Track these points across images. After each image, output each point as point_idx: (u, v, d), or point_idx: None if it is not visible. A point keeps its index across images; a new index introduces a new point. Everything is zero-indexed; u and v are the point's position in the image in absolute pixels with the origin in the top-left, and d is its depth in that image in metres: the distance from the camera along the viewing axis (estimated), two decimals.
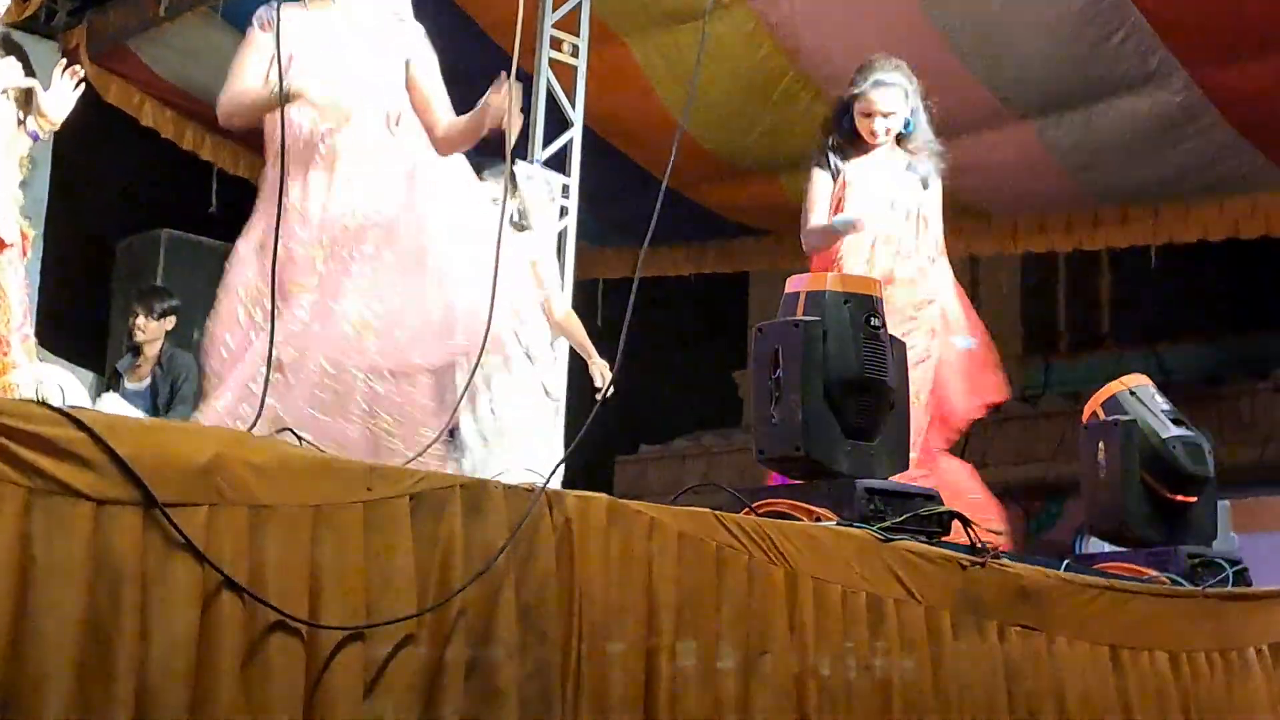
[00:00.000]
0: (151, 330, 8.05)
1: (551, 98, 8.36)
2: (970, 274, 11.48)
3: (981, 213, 10.06)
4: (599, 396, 4.85)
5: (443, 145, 4.59)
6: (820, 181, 6.02)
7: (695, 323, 13.67)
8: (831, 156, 6.00)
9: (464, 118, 4.55)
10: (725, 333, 14.92)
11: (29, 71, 5.27)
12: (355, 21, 4.51)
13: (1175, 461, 4.79)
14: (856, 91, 5.97)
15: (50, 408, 2.51)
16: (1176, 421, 4.91)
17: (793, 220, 9.82)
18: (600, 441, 6.88)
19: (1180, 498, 4.83)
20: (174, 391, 7.93)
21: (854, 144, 6.00)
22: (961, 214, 9.70)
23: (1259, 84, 8.05)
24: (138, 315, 8.07)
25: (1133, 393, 5.01)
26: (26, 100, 5.24)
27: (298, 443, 3.08)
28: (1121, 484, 4.79)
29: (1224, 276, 10.99)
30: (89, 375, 7.65)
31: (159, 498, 2.53)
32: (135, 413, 7.41)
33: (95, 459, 2.48)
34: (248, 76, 4.44)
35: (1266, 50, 7.88)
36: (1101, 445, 4.86)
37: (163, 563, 2.55)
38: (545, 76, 8.30)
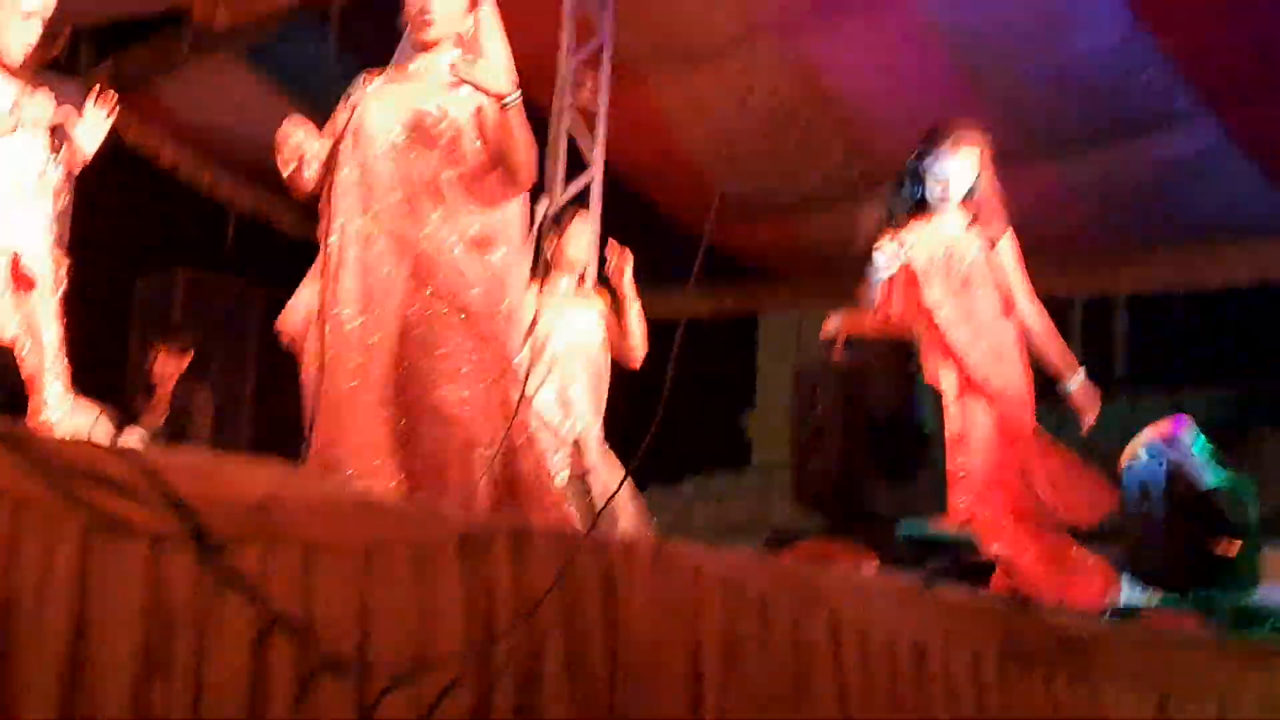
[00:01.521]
0: (169, 368, 8.05)
1: (571, 139, 8.34)
2: None
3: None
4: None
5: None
6: (887, 249, 5.80)
7: (702, 363, 13.63)
8: (896, 223, 5.86)
9: None
10: (733, 373, 14.91)
11: (58, 105, 5.26)
12: (427, 85, 4.45)
13: (1217, 509, 4.75)
14: (931, 159, 5.91)
15: (105, 446, 2.49)
16: (1219, 468, 4.88)
17: (808, 262, 9.89)
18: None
19: (1222, 545, 4.79)
20: (188, 428, 7.92)
21: (920, 208, 5.93)
22: None
23: None
24: (155, 354, 8.07)
25: (1175, 437, 4.97)
26: (57, 134, 5.23)
27: (348, 481, 3.06)
28: (1163, 530, 4.75)
29: (1244, 320, 10.95)
30: (108, 412, 7.63)
31: (213, 535, 2.51)
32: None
33: (150, 496, 2.46)
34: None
35: None
36: (1141, 491, 4.82)
37: (215, 600, 2.53)
38: (567, 118, 8.29)
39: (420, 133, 4.35)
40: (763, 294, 11.66)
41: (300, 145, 4.37)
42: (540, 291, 6.67)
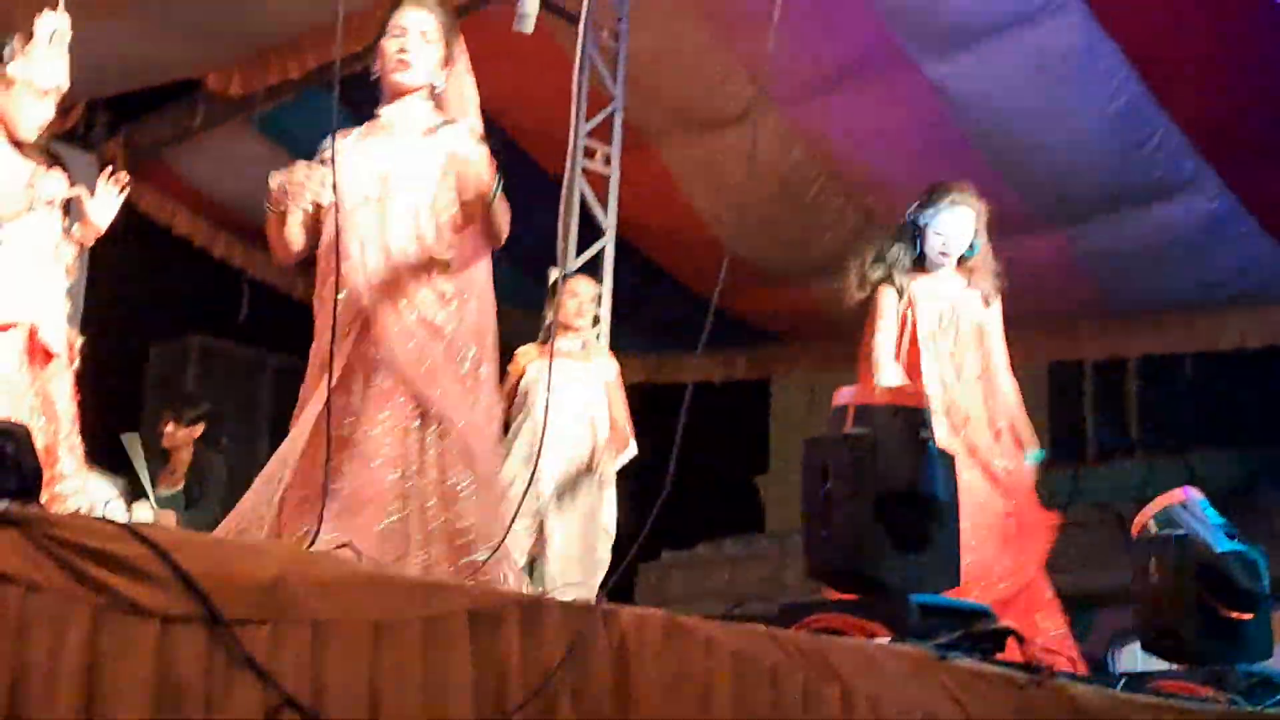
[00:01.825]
0: (181, 438, 8.06)
1: (584, 206, 8.38)
2: None
3: (1010, 318, 10.03)
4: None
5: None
6: (888, 299, 6.04)
7: (716, 427, 13.63)
8: (897, 274, 6.04)
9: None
10: (746, 437, 14.88)
11: (72, 182, 5.30)
12: (400, 141, 4.36)
13: (1230, 577, 4.73)
14: (931, 213, 6.04)
15: (116, 524, 2.50)
16: (1230, 536, 4.86)
17: (821, 326, 9.89)
18: (622, 547, 6.86)
19: (1235, 614, 4.76)
20: (202, 496, 7.93)
21: (918, 263, 6.09)
22: None
23: None
24: (167, 423, 8.08)
25: (1185, 505, 4.95)
26: (70, 209, 5.28)
27: (358, 558, 3.06)
28: (1175, 599, 4.72)
29: (1256, 384, 10.92)
30: (121, 481, 7.64)
31: (223, 615, 2.51)
32: (168, 520, 7.40)
33: (161, 576, 2.47)
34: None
35: None
36: (1154, 560, 4.80)
37: (226, 680, 2.53)
38: (578, 185, 8.32)
39: (393, 187, 4.28)
40: (775, 358, 11.68)
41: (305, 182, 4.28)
42: (545, 353, 6.71)
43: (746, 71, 8.55)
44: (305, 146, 9.17)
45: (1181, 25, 7.63)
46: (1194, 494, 5.06)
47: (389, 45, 4.36)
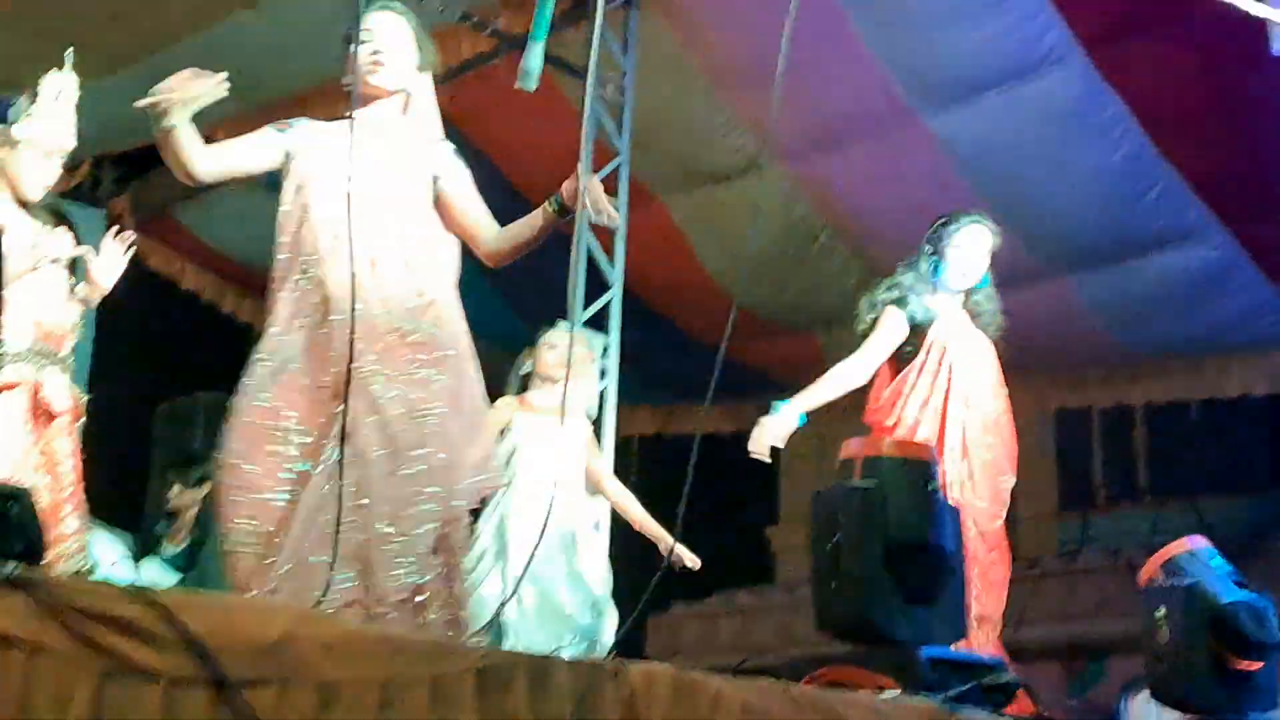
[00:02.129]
0: (187, 498, 8.04)
1: (591, 259, 8.41)
2: None
3: (1015, 367, 10.05)
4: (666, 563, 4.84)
5: (492, 257, 4.44)
6: (892, 319, 5.76)
7: (726, 478, 13.62)
8: (913, 299, 5.75)
9: (516, 224, 4.43)
10: (757, 488, 14.86)
11: (77, 240, 5.32)
12: (378, 143, 4.23)
13: (1239, 626, 4.71)
14: (953, 229, 5.84)
15: (121, 586, 2.50)
16: (1239, 585, 4.84)
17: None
18: (632, 599, 6.84)
19: (1244, 663, 4.73)
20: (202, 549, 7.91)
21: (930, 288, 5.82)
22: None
23: None
24: (173, 484, 8.07)
25: (1192, 554, 4.94)
26: (74, 268, 5.29)
27: (364, 618, 3.05)
28: (1184, 649, 4.70)
29: (1264, 429, 10.93)
30: (128, 538, 7.63)
31: (229, 676, 2.50)
32: (172, 578, 7.39)
33: (167, 637, 2.46)
34: (238, 148, 4.21)
35: None
36: (1162, 609, 4.78)
37: None
38: (584, 238, 8.36)
39: (375, 196, 4.14)
40: None
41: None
42: (525, 405, 6.70)
43: (750, 125, 8.59)
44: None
45: (1181, 80, 7.67)
46: (1201, 542, 5.05)
47: (360, 50, 4.23)
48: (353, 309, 3.85)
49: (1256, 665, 4.76)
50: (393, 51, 4.25)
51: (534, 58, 3.86)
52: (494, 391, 6.75)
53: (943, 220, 5.91)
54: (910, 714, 3.74)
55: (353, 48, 4.22)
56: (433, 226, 4.29)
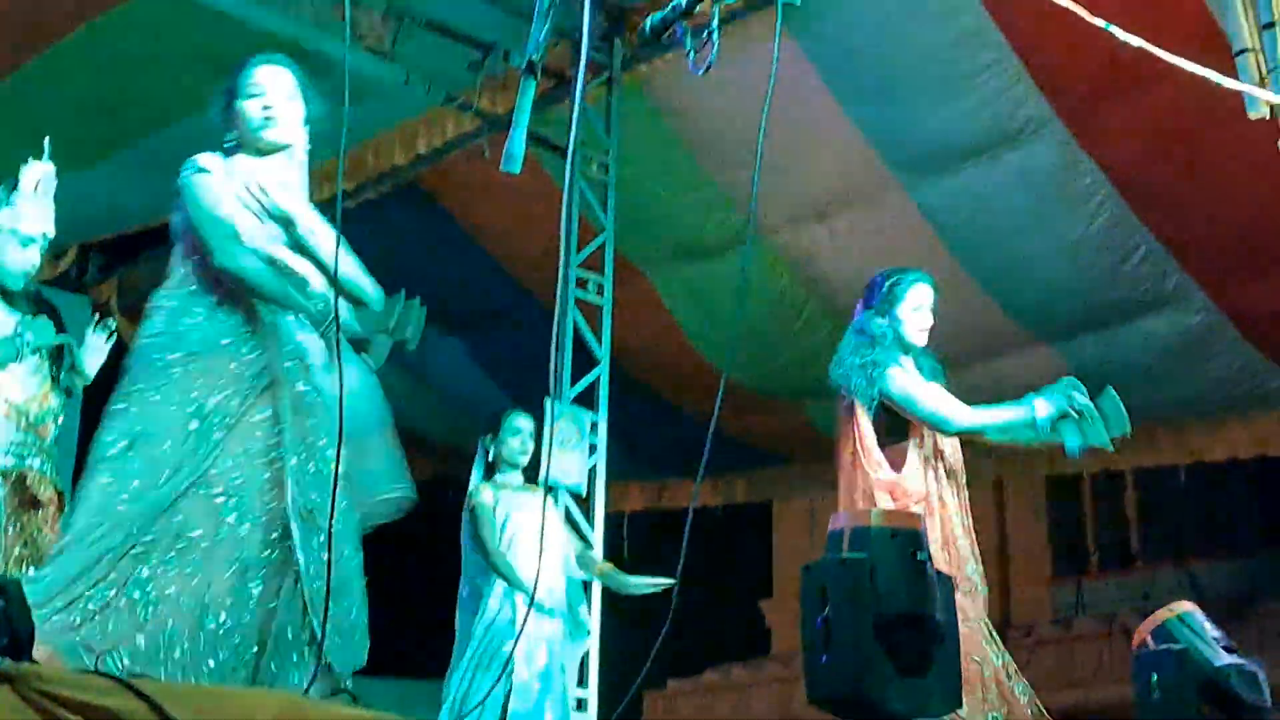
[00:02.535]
0: None
1: (578, 335, 8.44)
2: (996, 497, 11.47)
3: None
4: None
5: None
6: (910, 369, 5.65)
7: (720, 552, 13.66)
8: (880, 379, 5.60)
9: None
10: (750, 562, 14.87)
11: (60, 328, 5.33)
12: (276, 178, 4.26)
13: (1231, 689, 4.70)
14: (902, 288, 5.75)
15: (109, 677, 2.50)
16: (1229, 649, 4.83)
17: (818, 447, 9.92)
18: (627, 674, 6.81)
19: None
20: None
21: (890, 354, 5.69)
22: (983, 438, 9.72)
23: (1277, 303, 8.13)
24: None
25: (1182, 619, 4.94)
26: (59, 357, 5.29)
27: (353, 702, 3.05)
28: (1177, 714, 4.70)
29: (1253, 492, 10.96)
30: None
31: None
32: None
33: None
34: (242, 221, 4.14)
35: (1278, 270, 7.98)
36: (1154, 675, 4.78)
37: None
38: (571, 315, 8.39)
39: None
40: (775, 481, 11.69)
41: None
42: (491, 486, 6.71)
43: (735, 199, 8.64)
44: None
45: (1156, 146, 7.72)
46: (1190, 607, 5.05)
47: (249, 105, 4.20)
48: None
49: None
50: (284, 106, 4.25)
51: (517, 142, 3.90)
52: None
53: (892, 282, 5.84)
54: None
55: (238, 103, 4.21)
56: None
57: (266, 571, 3.70)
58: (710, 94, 7.99)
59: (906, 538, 4.25)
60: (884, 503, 5.60)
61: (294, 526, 3.76)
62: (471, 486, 6.71)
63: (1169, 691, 4.74)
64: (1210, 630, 4.91)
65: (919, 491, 5.66)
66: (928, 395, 5.65)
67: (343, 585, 3.70)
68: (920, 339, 5.78)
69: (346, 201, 8.95)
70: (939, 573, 4.38)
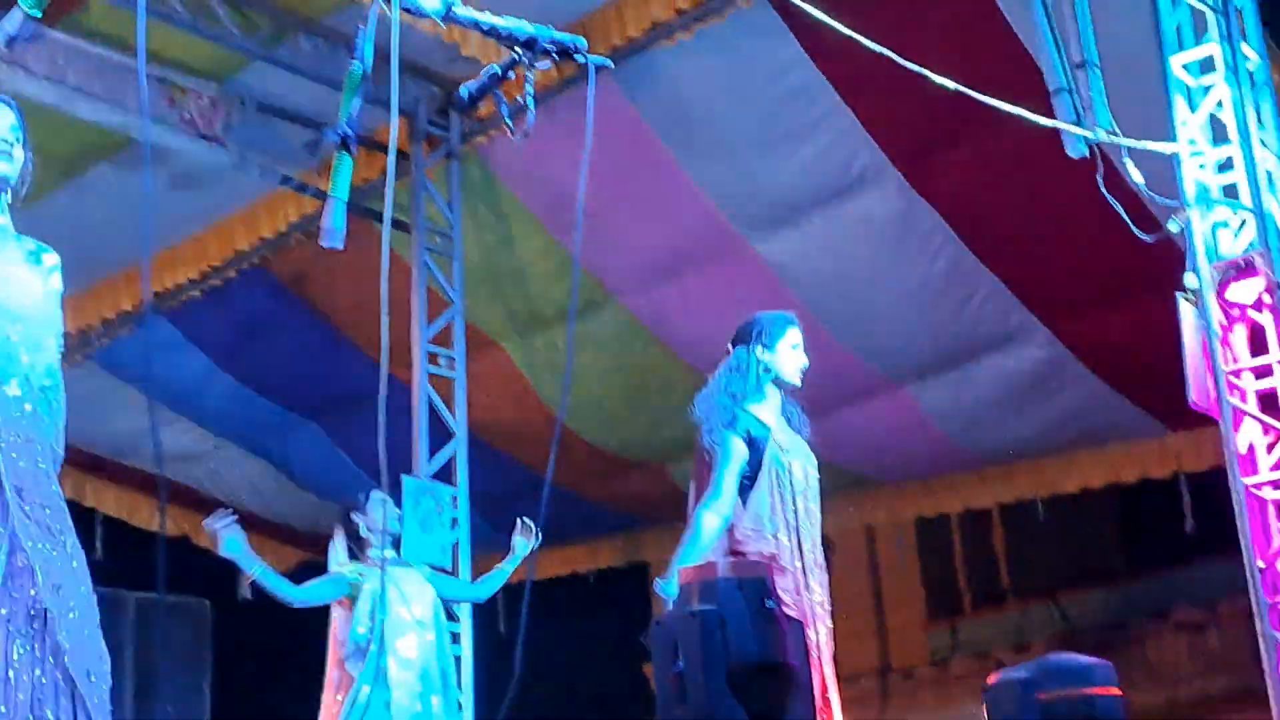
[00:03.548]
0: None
1: (433, 410, 8.41)
2: (867, 540, 11.57)
3: (869, 480, 10.20)
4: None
5: None
6: (736, 449, 5.43)
7: (599, 619, 13.61)
8: (743, 415, 5.48)
9: None
10: (629, 626, 14.80)
11: None
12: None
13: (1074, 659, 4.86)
14: (776, 329, 5.62)
15: None
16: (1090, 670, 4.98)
17: (684, 506, 9.96)
18: None
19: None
20: None
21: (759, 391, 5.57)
22: (851, 485, 9.84)
23: (1116, 335, 8.31)
24: None
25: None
26: None
27: None
28: None
29: (1110, 520, 11.15)
30: None
31: None
32: None
33: None
34: None
35: (1118, 303, 8.16)
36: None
37: None
38: (425, 391, 8.37)
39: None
40: (649, 543, 11.67)
41: None
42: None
43: (584, 267, 8.68)
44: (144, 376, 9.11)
45: (989, 189, 7.90)
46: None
47: None
48: None
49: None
50: (13, 145, 3.95)
51: (336, 216, 3.89)
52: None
53: (764, 324, 5.73)
54: None
55: None
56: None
57: None
58: (551, 160, 8.03)
59: (754, 587, 4.29)
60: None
61: None
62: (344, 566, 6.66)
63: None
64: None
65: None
66: (706, 509, 5.42)
67: None
68: (797, 378, 5.66)
69: (189, 290, 8.94)
70: (789, 617, 4.42)
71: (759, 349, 5.54)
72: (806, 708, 4.40)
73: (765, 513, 5.45)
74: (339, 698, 6.54)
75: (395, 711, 6.40)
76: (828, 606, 5.42)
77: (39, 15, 4.47)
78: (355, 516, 6.72)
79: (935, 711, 12.01)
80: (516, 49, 3.55)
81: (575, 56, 3.58)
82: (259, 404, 9.84)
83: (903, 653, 12.77)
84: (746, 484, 5.45)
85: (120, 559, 9.97)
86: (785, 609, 4.61)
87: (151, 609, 8.99)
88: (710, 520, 5.32)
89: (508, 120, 3.78)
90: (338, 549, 6.74)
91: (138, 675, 9.23)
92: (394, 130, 3.95)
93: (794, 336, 5.68)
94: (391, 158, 3.58)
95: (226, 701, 9.63)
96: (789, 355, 5.58)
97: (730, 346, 5.74)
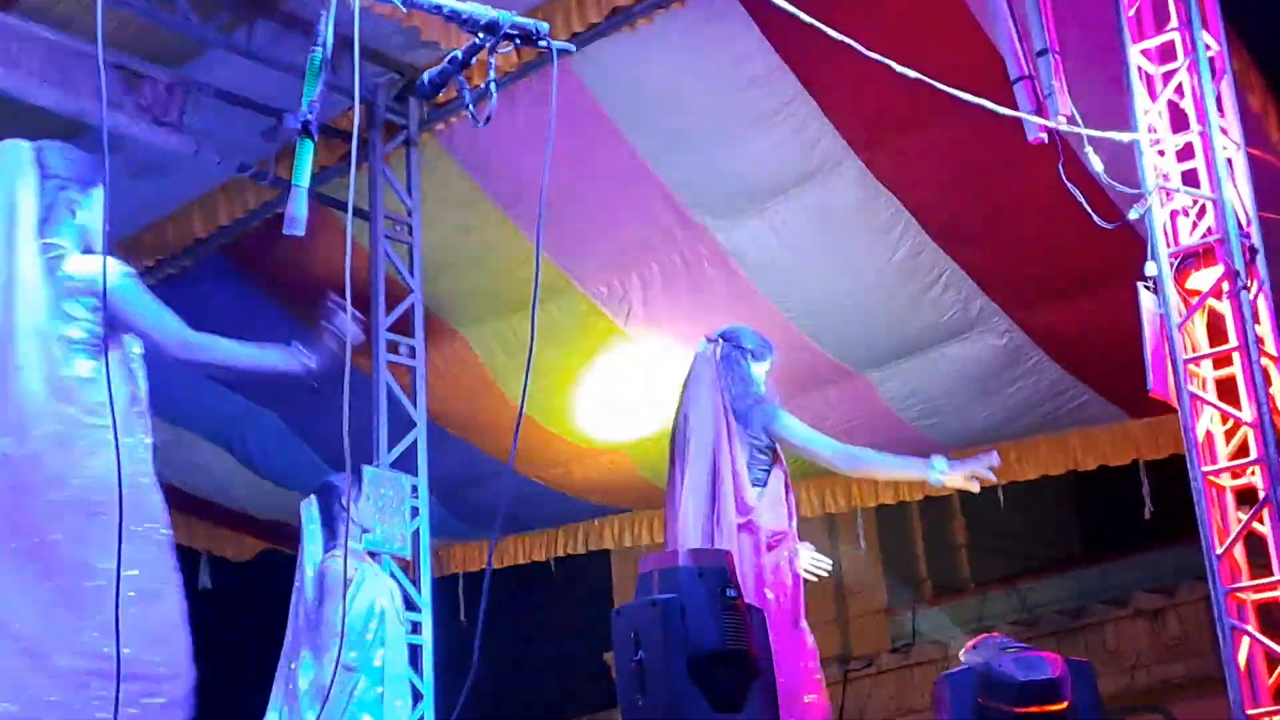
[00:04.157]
0: None
1: (393, 398, 8.37)
2: (827, 529, 11.58)
3: (830, 469, 10.18)
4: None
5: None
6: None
7: (561, 606, 13.62)
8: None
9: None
10: (591, 614, 14.81)
11: None
12: None
13: (1030, 699, 4.86)
14: (760, 350, 6.32)
15: None
16: (1034, 662, 4.99)
17: (645, 493, 9.96)
18: None
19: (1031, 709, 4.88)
20: None
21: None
22: (812, 474, 9.83)
23: (1076, 322, 8.34)
24: None
25: (980, 645, 5.11)
26: None
27: None
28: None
29: (1072, 509, 11.20)
30: None
31: None
32: None
33: None
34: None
35: (1078, 290, 8.18)
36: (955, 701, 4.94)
37: None
38: (385, 380, 8.32)
39: None
40: (608, 529, 11.67)
41: None
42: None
43: (544, 255, 8.64)
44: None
45: (949, 177, 7.91)
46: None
47: None
48: None
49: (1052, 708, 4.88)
50: None
51: (298, 204, 3.87)
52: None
53: (759, 344, 6.32)
54: None
55: None
56: None
57: None
58: (511, 147, 8.02)
59: (715, 575, 4.29)
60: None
61: None
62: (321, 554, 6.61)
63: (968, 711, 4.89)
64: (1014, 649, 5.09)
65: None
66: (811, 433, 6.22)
67: None
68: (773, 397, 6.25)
69: (147, 278, 8.86)
70: (751, 607, 4.43)
71: (750, 361, 6.00)
72: (767, 696, 4.41)
73: (782, 494, 6.07)
74: (292, 666, 6.49)
75: (387, 704, 6.38)
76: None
77: None
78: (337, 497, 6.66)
79: (897, 699, 12.05)
80: (478, 34, 3.53)
81: (538, 42, 3.56)
82: (217, 393, 9.77)
83: (864, 641, 12.80)
84: (763, 473, 5.83)
85: None
86: (766, 587, 4.78)
87: None
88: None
89: (470, 106, 3.75)
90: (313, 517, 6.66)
91: None
92: (357, 116, 3.93)
93: (771, 364, 6.12)
94: (355, 144, 3.56)
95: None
96: (763, 376, 6.00)
97: (720, 340, 6.08)
